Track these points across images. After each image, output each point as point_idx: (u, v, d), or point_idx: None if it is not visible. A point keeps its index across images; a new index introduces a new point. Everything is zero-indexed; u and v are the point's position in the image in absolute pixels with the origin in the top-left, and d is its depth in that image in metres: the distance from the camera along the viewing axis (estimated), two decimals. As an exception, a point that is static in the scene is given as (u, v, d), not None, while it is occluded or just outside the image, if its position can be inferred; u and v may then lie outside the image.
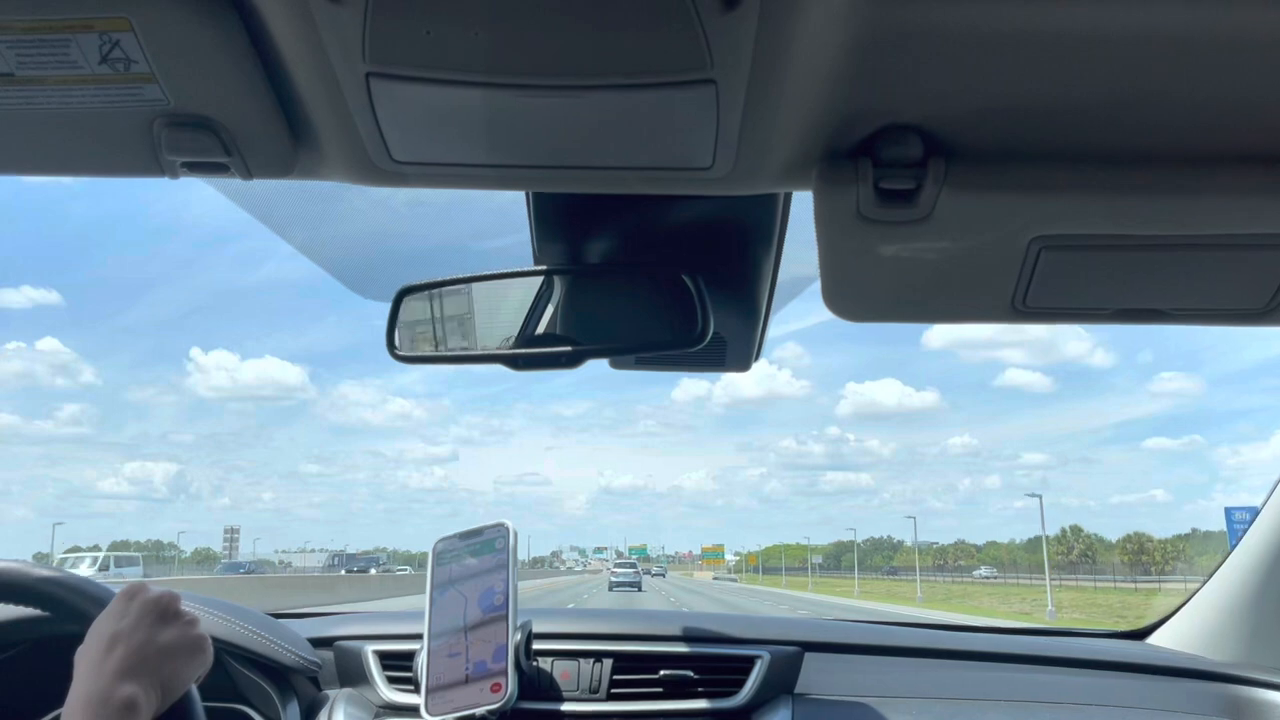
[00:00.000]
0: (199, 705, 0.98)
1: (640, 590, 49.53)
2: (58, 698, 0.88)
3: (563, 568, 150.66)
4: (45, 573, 1.04)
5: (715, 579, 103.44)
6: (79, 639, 0.94)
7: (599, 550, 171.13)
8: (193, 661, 0.96)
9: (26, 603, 1.04)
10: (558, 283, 1.21)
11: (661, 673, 1.51)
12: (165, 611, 0.95)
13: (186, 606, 0.98)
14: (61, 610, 1.03)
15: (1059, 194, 0.75)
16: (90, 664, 0.89)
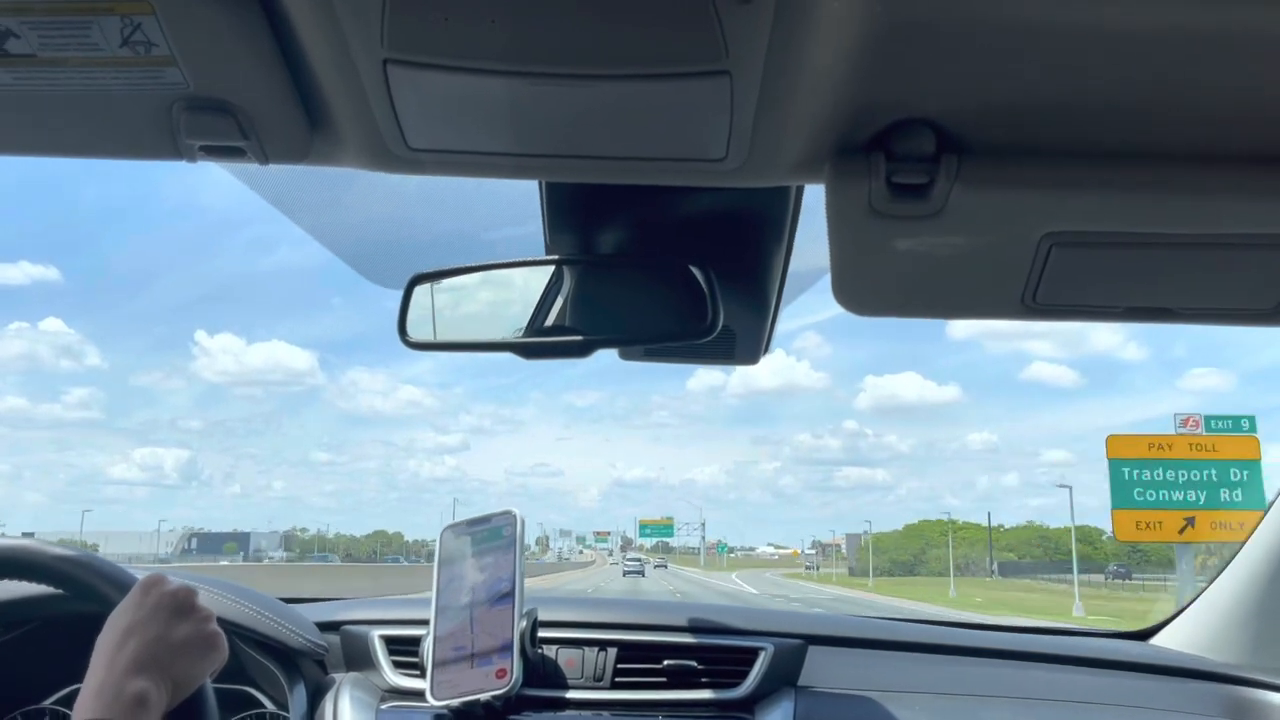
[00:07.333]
0: (212, 701, 0.99)
1: (643, 576, 49.56)
2: (71, 674, 0.89)
3: (545, 558, 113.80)
4: (60, 551, 1.06)
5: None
6: (93, 617, 0.96)
7: (600, 537, 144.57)
8: (206, 658, 0.96)
9: (42, 580, 1.06)
10: (568, 273, 1.22)
11: (665, 662, 1.52)
12: (181, 606, 0.95)
13: (203, 601, 0.99)
14: (75, 588, 1.04)
15: (1071, 191, 0.75)
16: (105, 655, 0.90)
